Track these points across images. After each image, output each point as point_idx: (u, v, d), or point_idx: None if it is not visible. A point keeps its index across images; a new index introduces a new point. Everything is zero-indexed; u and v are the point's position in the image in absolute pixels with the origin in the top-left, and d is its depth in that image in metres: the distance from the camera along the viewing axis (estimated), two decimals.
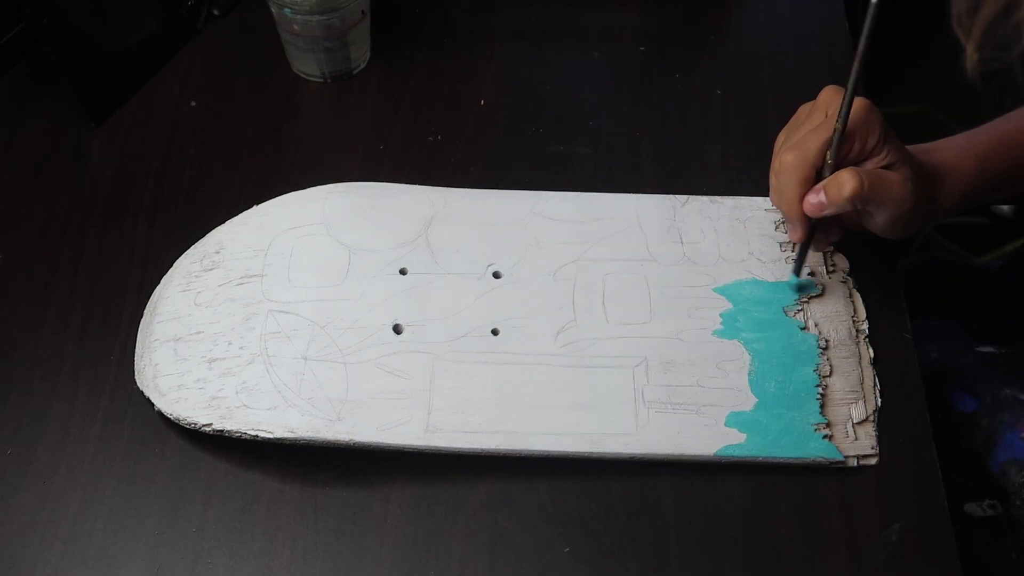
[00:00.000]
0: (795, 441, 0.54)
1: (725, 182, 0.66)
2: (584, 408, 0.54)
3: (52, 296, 0.60)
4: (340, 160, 0.67)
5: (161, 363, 0.55)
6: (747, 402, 0.54)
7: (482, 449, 0.53)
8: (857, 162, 0.54)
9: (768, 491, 0.53)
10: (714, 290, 0.58)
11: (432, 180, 0.63)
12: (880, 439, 0.55)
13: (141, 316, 0.58)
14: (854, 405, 0.55)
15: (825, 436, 0.54)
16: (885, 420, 0.55)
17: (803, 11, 0.76)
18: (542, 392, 0.54)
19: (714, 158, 0.67)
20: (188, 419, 0.53)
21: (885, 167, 0.53)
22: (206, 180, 0.65)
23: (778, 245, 0.60)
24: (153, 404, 0.54)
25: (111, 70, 0.68)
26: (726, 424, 0.54)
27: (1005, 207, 1.26)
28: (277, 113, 0.69)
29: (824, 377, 0.56)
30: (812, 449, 0.53)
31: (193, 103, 0.70)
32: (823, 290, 0.59)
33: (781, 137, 0.57)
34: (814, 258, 0.60)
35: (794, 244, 0.59)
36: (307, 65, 0.70)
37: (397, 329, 0.56)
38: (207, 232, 0.61)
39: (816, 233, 0.56)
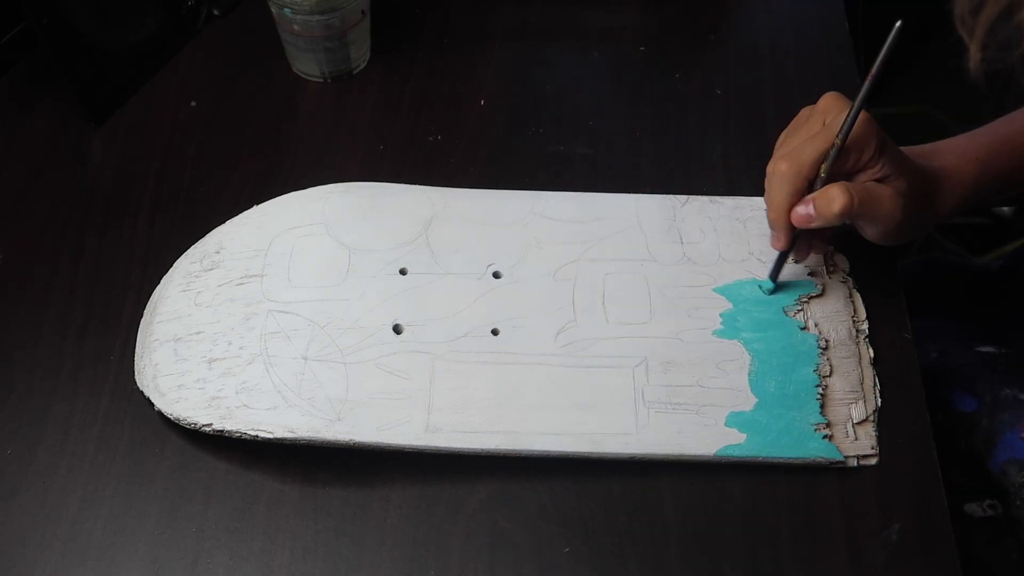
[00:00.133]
0: (795, 441, 0.54)
1: (725, 182, 0.66)
2: (584, 408, 0.54)
3: (52, 296, 0.60)
4: (340, 160, 0.67)
5: (161, 363, 0.55)
6: (747, 402, 0.54)
7: (482, 449, 0.53)
8: (851, 175, 0.53)
9: (768, 491, 0.53)
10: (714, 290, 0.58)
11: (432, 180, 0.63)
12: (880, 439, 0.55)
13: (141, 316, 0.58)
14: (854, 405, 0.55)
15: (825, 436, 0.54)
16: (885, 420, 0.55)
17: (803, 11, 0.76)
18: (542, 392, 0.54)
19: (714, 158, 0.67)
20: (188, 419, 0.53)
21: (879, 179, 0.53)
22: (206, 180, 0.65)
23: (776, 250, 0.60)
24: (153, 404, 0.54)
25: (111, 70, 0.68)
26: (726, 424, 0.54)
27: (1005, 207, 1.26)
28: (277, 113, 0.69)
29: (824, 377, 0.56)
30: (812, 449, 0.53)
31: (193, 103, 0.70)
32: (823, 290, 0.59)
33: (781, 139, 0.57)
34: (814, 258, 0.60)
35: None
36: (307, 65, 0.70)
37: (397, 329, 0.56)
38: (207, 232, 0.61)
39: (798, 242, 0.56)
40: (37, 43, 0.70)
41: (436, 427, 0.53)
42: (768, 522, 0.53)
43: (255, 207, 0.61)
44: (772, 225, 0.55)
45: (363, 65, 0.72)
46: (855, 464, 0.54)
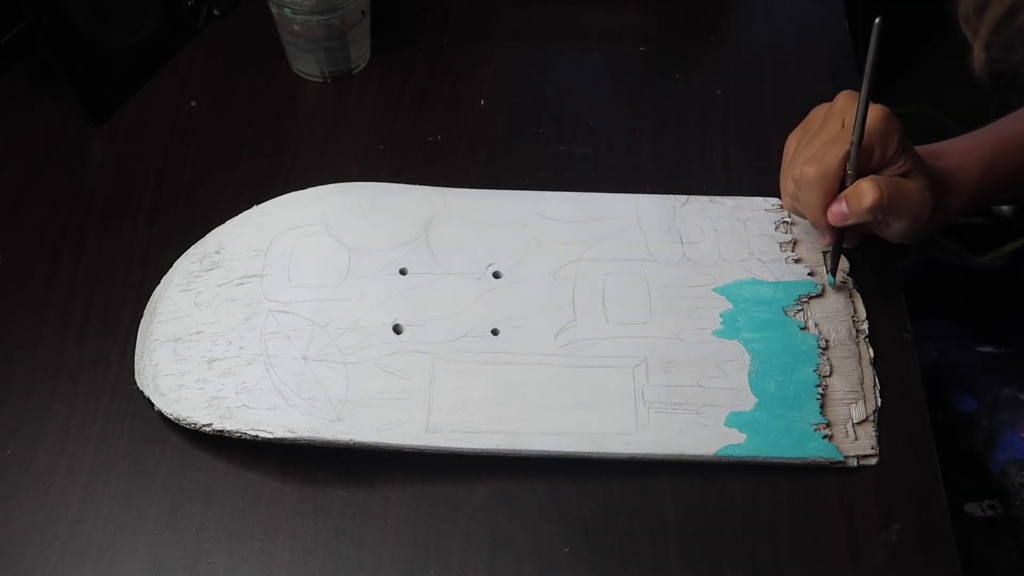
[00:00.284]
0: (795, 441, 0.54)
1: (725, 182, 0.66)
2: (584, 408, 0.54)
3: (52, 296, 0.60)
4: (340, 160, 0.67)
5: (161, 363, 0.55)
6: (747, 402, 0.54)
7: (482, 449, 0.53)
8: (877, 170, 0.54)
9: (768, 491, 0.53)
10: (714, 290, 0.58)
11: (432, 180, 0.63)
12: (880, 439, 0.55)
13: (141, 316, 0.58)
14: (854, 405, 0.55)
15: (825, 436, 0.54)
16: (885, 420, 0.55)
17: (803, 11, 0.76)
18: (542, 392, 0.54)
19: (714, 158, 0.67)
20: (188, 419, 0.53)
21: (902, 175, 0.53)
22: (206, 180, 0.65)
23: (778, 245, 0.60)
24: (153, 404, 0.54)
25: (111, 70, 0.68)
26: (726, 424, 0.54)
27: (1005, 207, 1.26)
28: (277, 113, 0.69)
29: (824, 377, 0.56)
30: (812, 449, 0.53)
31: (193, 103, 0.70)
32: (823, 290, 0.59)
33: (793, 140, 0.57)
34: (814, 258, 0.60)
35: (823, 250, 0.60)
36: (307, 65, 0.70)
37: (397, 329, 0.56)
38: (207, 232, 0.61)
39: (846, 233, 0.57)
40: (37, 43, 0.70)
41: (436, 427, 0.53)
42: (768, 522, 0.53)
43: (255, 207, 0.61)
44: (814, 226, 0.58)
45: (363, 65, 0.72)
46: (855, 464, 0.54)
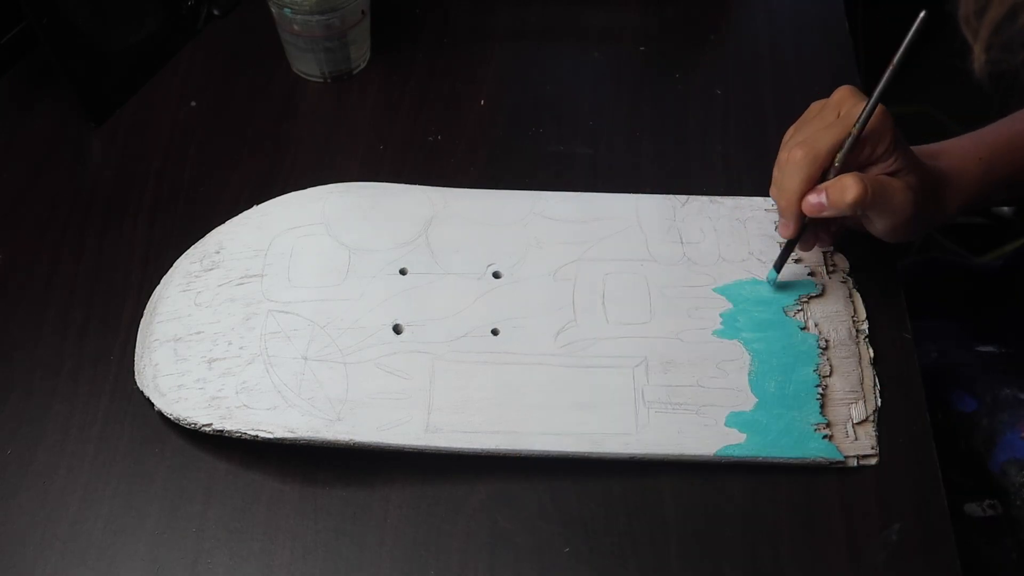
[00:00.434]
0: (795, 441, 0.54)
1: (725, 182, 0.66)
2: (584, 408, 0.54)
3: (52, 296, 0.60)
4: (340, 160, 0.67)
5: (161, 363, 0.55)
6: (747, 402, 0.54)
7: (482, 449, 0.53)
8: (864, 167, 0.53)
9: (768, 491, 0.53)
10: (714, 290, 0.58)
11: (432, 180, 0.63)
12: (880, 439, 0.55)
13: (141, 316, 0.58)
14: (854, 405, 0.55)
15: (825, 436, 0.54)
16: (885, 420, 0.55)
17: (803, 11, 0.76)
18: (542, 392, 0.54)
19: (714, 158, 0.67)
20: (188, 419, 0.53)
21: (890, 173, 0.53)
22: (206, 180, 0.65)
23: (778, 245, 0.60)
24: (153, 404, 0.54)
25: (111, 70, 0.68)
26: (726, 424, 0.54)
27: (1005, 207, 1.26)
28: (277, 113, 0.69)
29: (824, 377, 0.56)
30: (812, 449, 0.53)
31: (193, 103, 0.70)
32: (823, 290, 0.59)
33: (790, 133, 0.57)
34: (814, 258, 0.60)
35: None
36: (307, 65, 0.70)
37: (397, 329, 0.56)
38: (207, 232, 0.61)
39: (805, 232, 0.56)
40: (37, 43, 0.70)
41: (436, 427, 0.53)
42: (768, 522, 0.53)
43: (255, 207, 0.61)
44: (782, 212, 0.55)
45: (363, 65, 0.72)
46: (855, 464, 0.54)
